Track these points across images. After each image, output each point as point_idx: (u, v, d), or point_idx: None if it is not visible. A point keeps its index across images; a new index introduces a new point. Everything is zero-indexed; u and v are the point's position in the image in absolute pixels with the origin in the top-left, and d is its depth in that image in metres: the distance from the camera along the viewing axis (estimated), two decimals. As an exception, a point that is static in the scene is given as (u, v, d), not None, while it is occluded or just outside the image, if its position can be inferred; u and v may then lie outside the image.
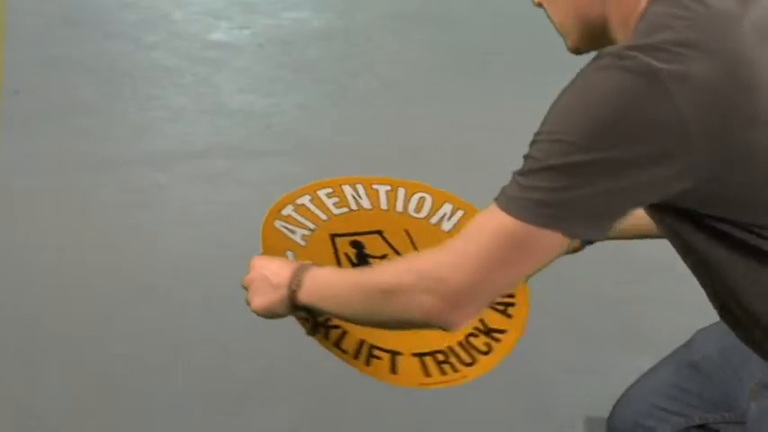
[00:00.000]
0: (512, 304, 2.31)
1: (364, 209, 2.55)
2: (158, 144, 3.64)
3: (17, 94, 3.92)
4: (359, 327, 2.20)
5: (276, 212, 2.44)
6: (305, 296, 1.52)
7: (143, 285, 2.80)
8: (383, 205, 2.56)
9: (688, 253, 1.32)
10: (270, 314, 1.58)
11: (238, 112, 3.96)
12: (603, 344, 2.69)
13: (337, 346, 1.99)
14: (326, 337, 2.03)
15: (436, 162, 3.50)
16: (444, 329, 1.40)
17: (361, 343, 2.04)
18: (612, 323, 2.79)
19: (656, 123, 1.09)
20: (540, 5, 1.34)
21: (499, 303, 2.27)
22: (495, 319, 2.32)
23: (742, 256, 1.24)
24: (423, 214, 2.53)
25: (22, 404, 2.36)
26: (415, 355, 2.19)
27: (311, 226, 2.43)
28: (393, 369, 2.06)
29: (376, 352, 2.08)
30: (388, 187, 2.62)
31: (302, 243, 2.29)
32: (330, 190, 2.58)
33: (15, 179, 3.31)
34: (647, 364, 1.84)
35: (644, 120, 1.09)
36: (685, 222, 1.24)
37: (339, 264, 2.29)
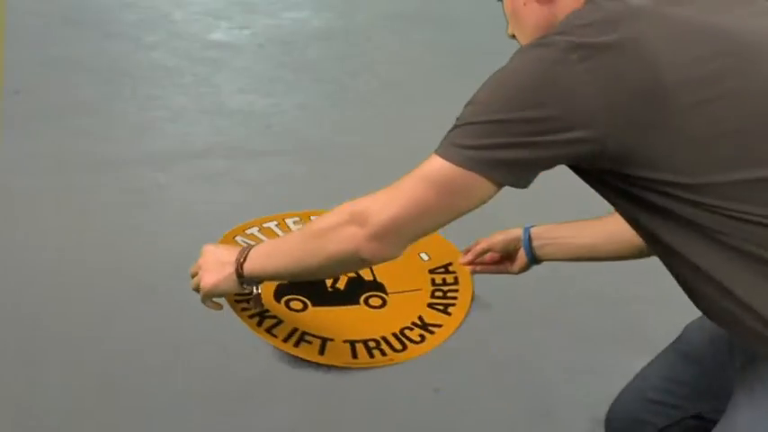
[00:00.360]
0: (452, 304, 2.48)
1: None
2: (158, 144, 3.65)
3: (17, 94, 3.92)
4: (294, 316, 2.39)
5: (241, 230, 2.67)
6: (250, 265, 1.69)
7: (143, 285, 2.81)
8: None
9: (636, 227, 1.44)
10: (217, 291, 1.75)
11: (238, 112, 3.96)
12: (603, 344, 2.69)
13: (269, 331, 2.18)
14: (260, 324, 2.23)
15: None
16: (369, 262, 1.59)
17: (294, 330, 2.23)
18: (612, 323, 2.79)
19: (565, 92, 1.25)
20: (513, 37, 1.53)
21: (440, 303, 2.46)
22: (433, 316, 2.49)
23: (667, 220, 1.34)
24: None
25: (22, 404, 2.36)
26: (346, 341, 2.36)
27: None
28: (321, 351, 2.24)
29: (307, 337, 2.27)
30: None
31: None
32: (297, 219, 2.81)
33: (15, 179, 3.31)
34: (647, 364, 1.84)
35: (554, 88, 1.26)
36: (619, 194, 1.37)
37: None
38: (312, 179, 3.46)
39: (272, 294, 2.58)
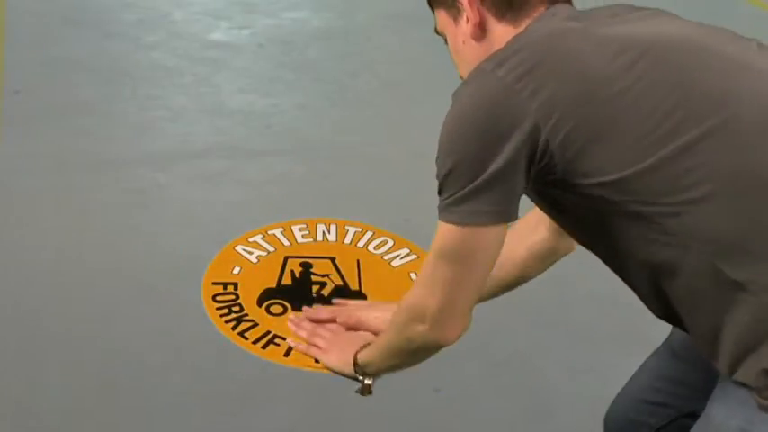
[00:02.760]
0: None
1: (329, 241, 2.88)
2: (158, 144, 3.65)
3: (17, 94, 3.93)
4: (270, 320, 2.54)
5: (244, 239, 2.81)
6: (363, 355, 1.97)
7: (143, 285, 2.81)
8: (347, 240, 2.88)
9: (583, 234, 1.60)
10: (334, 369, 2.06)
11: (238, 112, 3.96)
12: (603, 344, 2.69)
13: (241, 335, 2.29)
14: (234, 328, 2.37)
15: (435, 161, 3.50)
16: (449, 343, 1.71)
17: (266, 333, 2.33)
18: (612, 323, 2.79)
19: (508, 108, 1.38)
20: (442, 35, 1.69)
21: None
22: None
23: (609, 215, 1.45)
24: (380, 252, 2.85)
25: (22, 404, 2.36)
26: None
27: (271, 249, 2.77)
28: (287, 353, 2.34)
29: (277, 340, 2.38)
30: (359, 229, 2.95)
31: (255, 261, 2.64)
32: (304, 225, 2.91)
33: (15, 179, 3.31)
34: (647, 364, 1.85)
35: (498, 109, 1.39)
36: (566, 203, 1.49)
37: (280, 278, 2.68)
38: (312, 179, 3.46)
39: (254, 299, 2.65)
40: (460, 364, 2.60)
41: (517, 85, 1.38)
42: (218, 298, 2.69)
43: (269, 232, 2.91)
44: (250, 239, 2.86)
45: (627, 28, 1.46)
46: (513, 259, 2.10)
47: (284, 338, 2.52)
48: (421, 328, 1.67)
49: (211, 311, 2.61)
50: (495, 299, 2.90)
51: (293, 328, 2.26)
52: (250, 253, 2.83)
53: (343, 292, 2.75)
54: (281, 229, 2.91)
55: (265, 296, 2.68)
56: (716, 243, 1.38)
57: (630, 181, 1.39)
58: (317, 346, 2.11)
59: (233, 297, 2.67)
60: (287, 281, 2.71)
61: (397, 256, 2.94)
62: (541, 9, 1.52)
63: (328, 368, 2.13)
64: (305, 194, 3.32)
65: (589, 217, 1.49)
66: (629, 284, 1.60)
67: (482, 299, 2.03)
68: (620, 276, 1.60)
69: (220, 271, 2.84)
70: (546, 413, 2.45)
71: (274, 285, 2.75)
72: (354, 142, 3.73)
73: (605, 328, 2.73)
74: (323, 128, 3.88)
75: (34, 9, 4.82)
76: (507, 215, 1.48)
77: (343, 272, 2.73)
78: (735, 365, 1.44)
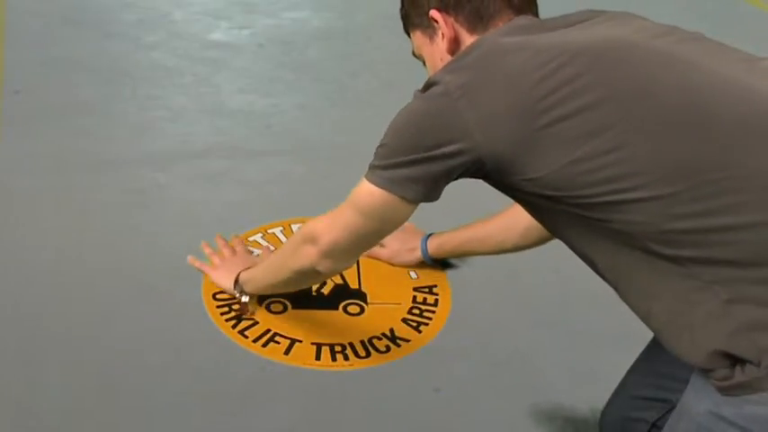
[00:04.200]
0: (426, 324, 2.63)
1: None
2: (158, 144, 3.65)
3: (17, 94, 3.92)
4: (270, 318, 2.66)
5: (245, 238, 2.90)
6: (245, 276, 2.49)
7: (143, 285, 2.81)
8: None
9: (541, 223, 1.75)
10: (218, 286, 2.61)
11: (238, 112, 3.96)
12: (603, 344, 2.69)
13: (242, 333, 2.44)
14: (235, 327, 2.52)
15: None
16: (325, 275, 2.09)
17: (266, 332, 2.46)
18: (612, 323, 2.78)
19: (448, 119, 1.55)
20: (420, 57, 1.90)
21: (414, 320, 2.62)
22: (404, 331, 2.63)
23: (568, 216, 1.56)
24: None
25: (22, 404, 2.36)
26: (314, 343, 2.52)
27: (271, 248, 2.86)
28: (287, 352, 2.45)
29: (277, 338, 2.48)
30: None
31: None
32: (303, 224, 2.93)
33: (15, 179, 3.31)
34: (647, 363, 1.84)
35: (440, 119, 1.58)
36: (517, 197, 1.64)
37: None
38: (312, 179, 3.46)
39: (256, 297, 2.68)
40: (461, 364, 2.60)
41: (459, 103, 1.53)
42: (218, 296, 2.70)
43: (269, 231, 2.93)
44: (250, 239, 2.88)
45: (570, 35, 1.55)
46: (515, 226, 2.28)
47: (284, 336, 2.54)
48: (310, 249, 1.99)
49: (212, 310, 2.63)
50: (495, 299, 2.91)
51: (205, 249, 2.73)
52: (250, 252, 2.85)
53: (343, 290, 2.76)
54: (281, 228, 2.93)
55: (266, 294, 2.69)
56: (644, 225, 1.45)
57: (558, 177, 1.48)
58: (212, 264, 2.57)
59: (233, 295, 2.68)
60: None
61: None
62: (506, 20, 1.67)
63: (213, 284, 2.55)
64: (305, 194, 3.32)
65: (537, 209, 1.64)
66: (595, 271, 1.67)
67: (487, 253, 2.64)
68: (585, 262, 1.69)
69: None
70: (546, 413, 2.45)
71: None
72: (354, 142, 3.72)
73: (605, 328, 2.73)
74: (323, 128, 3.87)
75: (34, 9, 4.82)
76: (421, 198, 1.70)
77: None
78: (675, 345, 1.51)
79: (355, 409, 2.44)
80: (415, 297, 2.77)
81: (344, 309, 2.70)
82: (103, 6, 5.03)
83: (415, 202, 1.72)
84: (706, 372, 1.44)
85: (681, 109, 1.41)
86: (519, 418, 2.44)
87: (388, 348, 2.60)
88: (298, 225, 3.04)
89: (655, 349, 1.83)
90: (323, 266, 2.01)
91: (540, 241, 2.32)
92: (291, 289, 2.37)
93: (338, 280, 2.80)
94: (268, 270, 2.28)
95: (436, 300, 2.78)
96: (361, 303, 2.73)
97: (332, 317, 2.67)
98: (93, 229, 3.07)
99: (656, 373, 1.82)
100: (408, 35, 1.91)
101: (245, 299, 2.45)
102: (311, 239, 1.98)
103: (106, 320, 2.67)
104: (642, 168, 1.41)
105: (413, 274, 2.87)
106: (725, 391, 1.42)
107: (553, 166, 1.47)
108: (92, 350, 2.56)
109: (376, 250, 2.83)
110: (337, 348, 2.56)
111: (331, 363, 2.53)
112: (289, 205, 3.23)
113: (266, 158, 3.59)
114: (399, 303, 2.75)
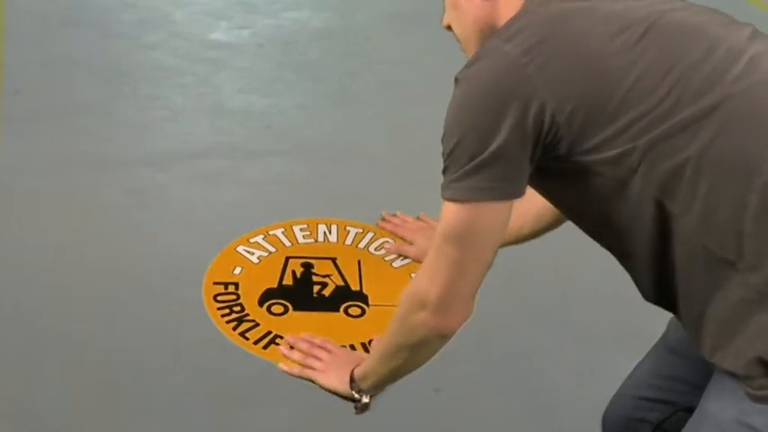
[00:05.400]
0: None
1: (330, 242, 2.92)
2: (158, 144, 3.65)
3: (17, 93, 3.92)
4: (272, 320, 2.62)
5: (245, 240, 2.87)
6: (359, 370, 1.93)
7: (143, 285, 2.81)
8: (348, 241, 2.93)
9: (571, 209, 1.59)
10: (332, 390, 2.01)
11: (238, 112, 3.96)
12: (603, 344, 2.69)
13: (242, 335, 2.36)
14: (235, 329, 2.43)
15: (436, 162, 3.50)
16: (450, 334, 1.67)
17: (267, 334, 2.37)
18: (612, 323, 2.79)
19: (517, 95, 1.38)
20: (449, 28, 1.70)
21: None
22: None
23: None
24: (381, 253, 2.92)
25: (22, 404, 2.36)
26: None
27: (272, 249, 2.83)
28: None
29: (278, 340, 2.43)
30: (360, 230, 3.01)
31: (256, 261, 2.69)
32: (305, 226, 2.94)
33: (15, 179, 3.31)
34: (647, 364, 1.84)
35: (508, 96, 1.39)
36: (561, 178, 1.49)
37: (282, 279, 2.75)
38: (312, 179, 3.46)
39: (256, 299, 2.67)
40: (460, 364, 2.60)
41: (524, 59, 1.38)
42: (219, 298, 2.70)
43: (270, 232, 2.93)
44: (251, 240, 2.88)
45: (631, 5, 1.46)
46: (529, 210, 2.10)
47: (283, 337, 2.54)
48: (422, 316, 1.61)
49: (212, 311, 2.63)
50: (496, 299, 2.90)
51: (285, 352, 2.20)
52: (251, 253, 2.86)
53: (344, 292, 2.75)
54: (283, 230, 2.93)
55: (266, 296, 2.70)
56: (704, 220, 1.39)
57: (628, 157, 1.40)
58: (312, 368, 2.07)
59: (234, 297, 2.69)
60: (288, 281, 2.72)
61: (398, 258, 2.96)
62: None
63: (324, 389, 2.07)
64: (305, 194, 3.32)
65: (591, 191, 1.48)
66: (626, 263, 1.60)
67: (508, 243, 2.09)
68: (616, 254, 1.60)
69: (221, 271, 2.86)
70: (546, 413, 2.45)
71: (275, 286, 2.76)
72: (354, 142, 3.73)
73: (606, 328, 2.73)
74: (323, 128, 3.87)
75: (34, 9, 4.82)
76: (512, 192, 1.46)
77: (344, 272, 2.75)
78: (716, 349, 1.45)
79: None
80: None
81: (345, 311, 2.70)
82: (103, 6, 5.03)
83: (507, 198, 1.47)
84: (737, 377, 1.41)
85: (746, 103, 1.39)
86: (519, 418, 2.44)
87: None
88: (300, 226, 3.03)
89: (660, 351, 1.82)
90: (445, 326, 1.63)
91: (555, 223, 2.19)
92: (421, 364, 1.96)
93: (339, 282, 2.80)
94: (384, 358, 1.87)
95: None
96: (363, 305, 2.72)
97: (333, 319, 2.67)
98: (93, 229, 3.07)
99: (662, 375, 1.81)
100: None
101: (366, 399, 2.06)
102: (418, 305, 1.61)
103: (106, 320, 2.67)
104: (704, 159, 1.37)
105: (414, 276, 2.87)
106: (760, 400, 1.39)
107: (624, 144, 1.39)
108: (92, 350, 2.55)
109: (405, 248, 2.63)
110: None
111: None
112: (289, 205, 3.23)
113: (266, 158, 3.59)
114: None
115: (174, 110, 3.93)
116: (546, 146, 1.42)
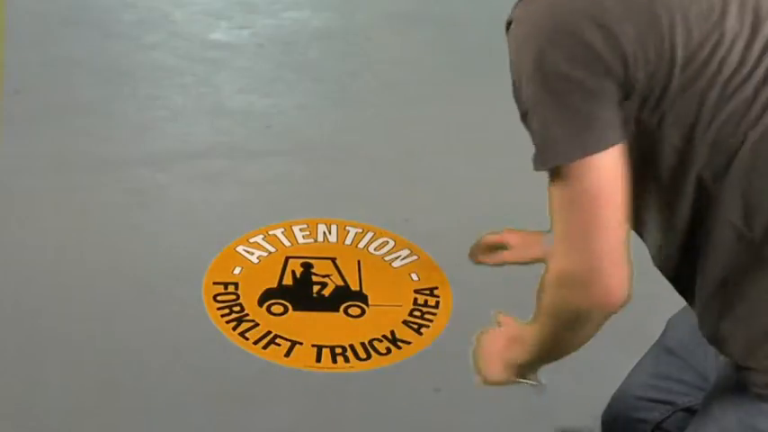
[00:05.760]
0: (427, 326, 2.62)
1: (329, 242, 2.93)
2: (158, 144, 3.65)
3: (17, 93, 3.92)
4: (271, 320, 2.63)
5: (245, 240, 2.89)
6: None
7: (143, 285, 2.80)
8: (347, 241, 2.93)
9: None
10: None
11: (238, 112, 3.96)
12: (603, 344, 2.68)
13: (242, 335, 2.43)
14: (235, 329, 2.47)
15: (436, 162, 3.50)
16: (620, 302, 1.48)
17: (267, 334, 2.46)
18: (612, 323, 2.78)
19: (594, 19, 1.24)
20: None
21: (415, 322, 2.61)
22: (405, 333, 2.62)
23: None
24: (381, 253, 2.93)
25: (22, 404, 2.36)
26: (314, 345, 2.51)
27: (272, 249, 2.86)
28: (287, 354, 2.44)
29: (278, 340, 2.47)
30: (359, 230, 3.01)
31: (255, 261, 2.80)
32: (305, 226, 2.95)
33: (15, 179, 3.31)
34: (647, 364, 1.84)
35: (584, 25, 1.25)
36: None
37: (281, 279, 2.76)
38: (312, 179, 3.46)
39: (255, 299, 2.68)
40: (461, 365, 2.59)
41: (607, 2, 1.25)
42: (219, 298, 2.71)
43: (270, 233, 2.93)
44: (251, 240, 2.88)
45: None
46: None
47: (285, 338, 2.54)
48: (578, 295, 1.43)
49: (212, 311, 2.63)
50: (496, 300, 2.89)
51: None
52: (251, 253, 2.86)
53: (344, 292, 2.76)
54: (282, 230, 2.93)
55: (266, 296, 2.70)
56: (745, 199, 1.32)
57: (708, 123, 1.30)
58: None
59: (234, 297, 2.69)
60: (288, 281, 2.73)
61: (397, 257, 2.97)
62: None
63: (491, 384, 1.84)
64: (305, 194, 3.32)
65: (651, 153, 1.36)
66: (661, 231, 1.48)
67: None
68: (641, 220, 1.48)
69: (221, 271, 2.86)
70: (546, 413, 2.45)
71: (275, 285, 2.76)
72: (354, 142, 3.73)
73: (606, 328, 2.72)
74: (323, 128, 3.87)
75: (34, 9, 4.81)
76: (612, 133, 1.29)
77: (343, 272, 2.75)
78: (749, 349, 1.39)
79: (355, 410, 2.44)
80: (416, 299, 2.78)
81: (345, 311, 2.70)
82: (103, 6, 5.03)
83: (613, 143, 1.30)
84: (747, 371, 1.40)
85: None
86: (519, 418, 2.44)
87: (389, 350, 2.60)
88: (300, 226, 3.03)
89: (659, 351, 1.82)
90: (610, 295, 1.45)
91: None
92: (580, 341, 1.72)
93: (339, 282, 2.80)
94: (545, 347, 1.69)
95: (437, 302, 2.79)
96: (362, 305, 2.73)
97: (333, 319, 2.67)
98: (93, 229, 3.07)
99: (662, 376, 1.81)
100: None
101: (533, 382, 1.87)
102: (567, 284, 1.43)
103: (106, 320, 2.67)
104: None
105: (414, 276, 2.87)
106: (766, 399, 1.37)
107: (712, 111, 1.28)
108: (92, 350, 2.55)
109: (501, 255, 2.27)
110: (338, 350, 2.57)
111: (332, 365, 2.53)
112: (289, 205, 3.23)
113: (266, 158, 3.59)
114: (400, 305, 2.75)
115: (174, 110, 3.93)
116: (641, 95, 1.30)
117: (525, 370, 1.74)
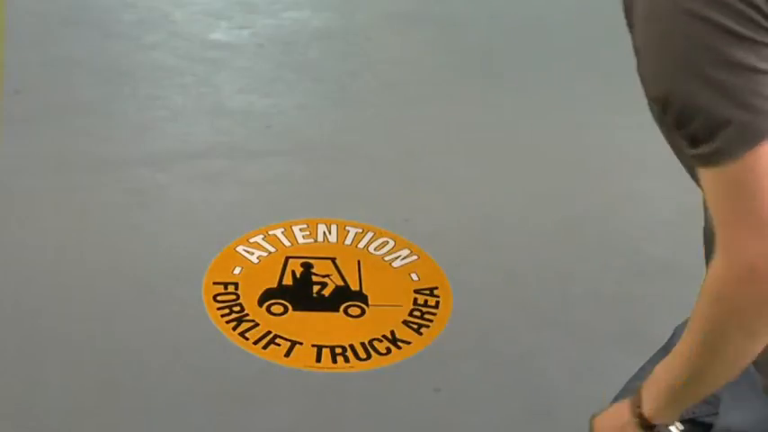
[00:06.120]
0: (427, 326, 2.63)
1: (329, 242, 2.93)
2: (158, 144, 3.65)
3: (17, 93, 3.92)
4: (271, 320, 2.63)
5: (245, 240, 2.89)
6: (650, 404, 1.43)
7: (143, 285, 2.81)
8: (347, 241, 2.93)
9: None
10: None
11: (238, 112, 3.96)
12: (603, 344, 2.69)
13: (242, 335, 2.43)
14: (235, 329, 2.48)
15: (436, 162, 3.50)
16: None
17: (267, 333, 2.46)
18: (612, 323, 2.79)
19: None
20: None
21: (415, 323, 2.62)
22: (405, 333, 2.63)
23: None
24: (381, 253, 2.93)
25: (22, 404, 2.36)
26: (314, 345, 2.52)
27: (272, 249, 2.86)
28: (287, 354, 2.44)
29: (278, 340, 2.47)
30: (359, 230, 3.02)
31: (255, 261, 2.80)
32: (305, 225, 2.96)
33: (15, 179, 3.31)
34: (647, 364, 1.84)
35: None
36: None
37: (281, 279, 2.76)
38: (312, 179, 3.46)
39: (255, 299, 2.68)
40: (461, 365, 2.60)
41: None
42: (219, 298, 2.71)
43: (270, 233, 2.94)
44: (251, 240, 2.89)
45: None
46: None
47: (285, 339, 2.55)
48: (745, 291, 1.20)
49: (212, 311, 2.64)
50: (496, 300, 2.90)
51: None
52: (251, 253, 2.87)
53: (344, 292, 2.76)
54: (282, 230, 2.93)
55: (266, 296, 2.71)
56: None
57: None
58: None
59: (234, 297, 2.70)
60: (288, 281, 2.73)
61: (397, 257, 2.97)
62: None
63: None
64: (305, 194, 3.32)
65: None
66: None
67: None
68: None
69: (221, 271, 2.87)
70: (546, 413, 2.45)
71: (275, 285, 2.76)
72: (354, 142, 3.73)
73: (605, 328, 2.73)
74: (323, 128, 3.87)
75: (34, 9, 4.81)
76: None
77: (343, 272, 2.76)
78: None
79: (355, 411, 2.44)
80: (416, 299, 2.78)
81: (345, 311, 2.71)
82: (103, 6, 5.03)
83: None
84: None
85: None
86: (519, 418, 2.44)
87: (389, 350, 2.60)
88: (300, 226, 3.03)
89: (663, 357, 1.81)
90: None
91: None
92: (737, 368, 1.33)
93: (339, 282, 2.81)
94: (691, 361, 1.36)
95: (437, 302, 2.79)
96: (362, 305, 2.73)
97: (333, 319, 2.68)
98: (93, 229, 3.07)
99: None
100: None
101: (676, 429, 1.49)
102: (733, 275, 1.21)
103: (106, 320, 2.67)
104: None
105: (414, 276, 2.88)
106: None
107: None
108: (92, 350, 2.56)
109: None
110: (338, 350, 2.57)
111: (332, 365, 2.53)
112: (289, 205, 3.23)
113: (266, 158, 3.59)
114: (400, 305, 2.75)
115: (174, 110, 3.93)
116: None
117: (658, 415, 1.44)
